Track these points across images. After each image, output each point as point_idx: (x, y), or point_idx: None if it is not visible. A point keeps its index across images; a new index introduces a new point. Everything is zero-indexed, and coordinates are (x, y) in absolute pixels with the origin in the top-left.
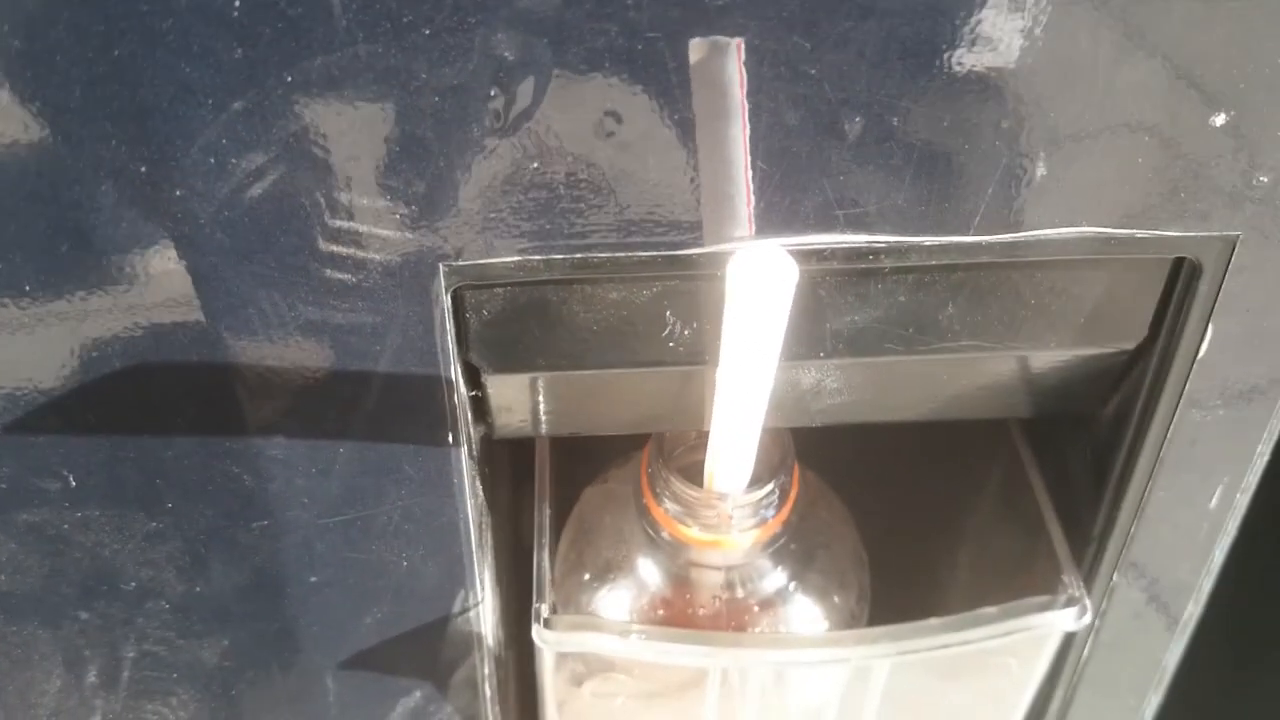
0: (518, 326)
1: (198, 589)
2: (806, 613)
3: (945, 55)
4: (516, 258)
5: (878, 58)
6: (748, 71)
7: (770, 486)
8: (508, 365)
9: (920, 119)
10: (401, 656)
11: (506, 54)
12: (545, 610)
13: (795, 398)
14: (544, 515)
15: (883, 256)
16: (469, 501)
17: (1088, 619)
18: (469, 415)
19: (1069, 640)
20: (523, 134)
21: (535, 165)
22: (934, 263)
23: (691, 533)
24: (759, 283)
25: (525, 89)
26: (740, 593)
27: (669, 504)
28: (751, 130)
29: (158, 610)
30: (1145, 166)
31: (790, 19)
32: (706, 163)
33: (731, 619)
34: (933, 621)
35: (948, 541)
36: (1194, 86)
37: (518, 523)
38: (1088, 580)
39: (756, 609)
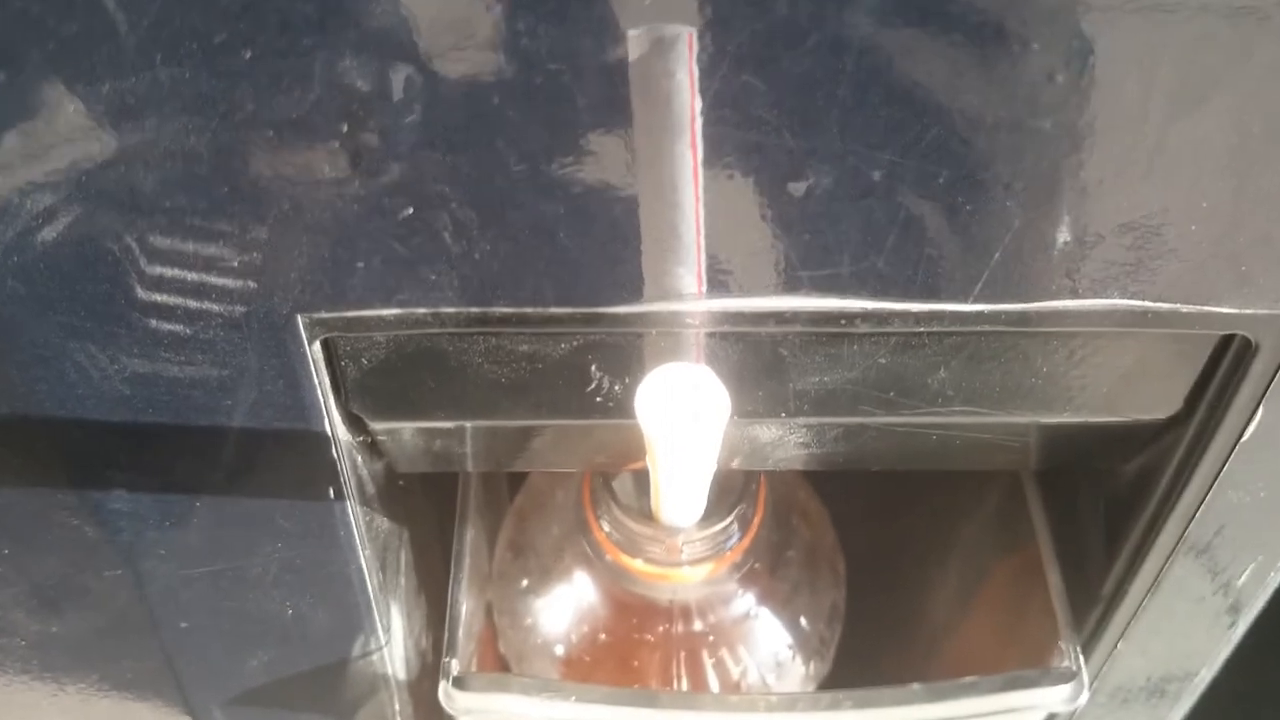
0: (408, 376)
1: (53, 629)
2: (770, 640)
3: (943, 96)
4: (396, 310)
5: (853, 101)
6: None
7: (729, 519)
8: (398, 416)
9: (909, 173)
10: (297, 695)
11: (359, 83)
12: (455, 667)
13: (752, 449)
14: (463, 542)
15: (858, 321)
16: (362, 550)
17: (1084, 699)
18: (357, 462)
19: None
20: (388, 174)
21: (410, 210)
22: (924, 329)
23: (636, 564)
24: (680, 424)
25: (384, 123)
26: (695, 624)
27: (611, 531)
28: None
29: (14, 647)
30: (1201, 233)
31: (740, 54)
32: (648, 195)
33: (682, 647)
34: (906, 689)
35: (937, 552)
36: (1274, 139)
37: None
38: (1087, 645)
39: (712, 639)
